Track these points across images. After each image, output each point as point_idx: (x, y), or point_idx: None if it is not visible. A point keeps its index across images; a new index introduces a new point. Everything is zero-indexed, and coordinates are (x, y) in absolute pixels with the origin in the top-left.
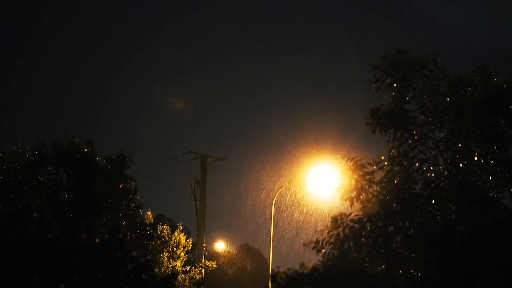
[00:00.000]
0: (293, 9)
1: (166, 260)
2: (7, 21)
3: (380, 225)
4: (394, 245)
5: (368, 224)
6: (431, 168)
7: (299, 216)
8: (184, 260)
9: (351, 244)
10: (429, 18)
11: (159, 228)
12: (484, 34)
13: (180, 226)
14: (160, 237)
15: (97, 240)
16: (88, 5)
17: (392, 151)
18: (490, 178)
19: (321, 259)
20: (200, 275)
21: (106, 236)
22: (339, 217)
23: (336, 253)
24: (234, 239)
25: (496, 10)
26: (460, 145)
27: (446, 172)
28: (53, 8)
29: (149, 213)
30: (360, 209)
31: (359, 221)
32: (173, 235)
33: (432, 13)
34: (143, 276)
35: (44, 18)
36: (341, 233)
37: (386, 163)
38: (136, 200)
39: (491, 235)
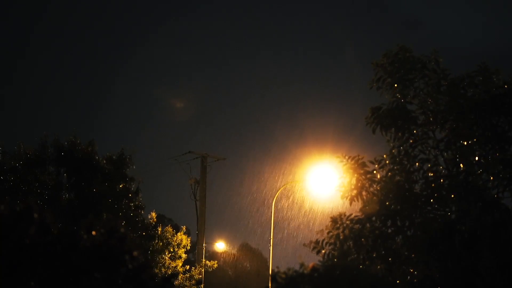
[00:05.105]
0: (293, 8)
1: (168, 261)
2: (7, 21)
3: (380, 225)
4: (394, 245)
5: (367, 224)
6: (432, 168)
7: (299, 216)
8: (183, 260)
9: (351, 245)
10: (424, 21)
11: (159, 228)
12: (479, 37)
13: (184, 228)
14: (161, 238)
15: (97, 240)
16: (89, 4)
17: (393, 150)
18: (491, 178)
19: (321, 259)
20: (200, 275)
21: (106, 236)
22: (338, 218)
23: (336, 253)
24: (234, 239)
25: (490, 13)
26: (460, 145)
27: (446, 172)
28: (54, 7)
29: (153, 214)
30: (360, 209)
31: (359, 221)
32: (175, 236)
33: (427, 16)
34: (143, 276)
35: (44, 17)
36: (340, 234)
37: (387, 162)
38: (138, 201)
39: (491, 235)
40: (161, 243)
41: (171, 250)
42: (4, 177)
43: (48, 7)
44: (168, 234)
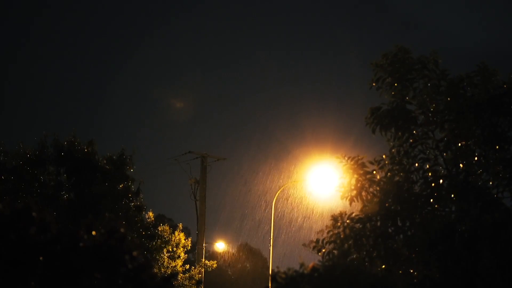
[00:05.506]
0: (292, 8)
1: (166, 260)
2: (5, 21)
3: (380, 225)
4: (395, 245)
5: (368, 224)
6: (431, 168)
7: (299, 215)
8: (183, 260)
9: (351, 244)
10: (424, 21)
11: (159, 228)
12: (479, 38)
13: (181, 226)
14: (160, 237)
15: (97, 240)
16: (87, 4)
17: (393, 150)
18: (491, 178)
19: (321, 259)
20: (200, 275)
21: (106, 236)
22: (339, 216)
23: (336, 252)
24: (234, 239)
25: (489, 15)
26: (460, 145)
27: (446, 172)
28: (52, 7)
29: (150, 213)
30: (361, 209)
31: (359, 220)
32: (173, 235)
33: (428, 17)
34: (143, 276)
35: (43, 16)
36: (341, 233)
37: (386, 162)
38: (139, 201)
39: (491, 235)
40: (159, 241)
41: (170, 249)
42: (5, 177)
43: (46, 7)
44: (165, 233)
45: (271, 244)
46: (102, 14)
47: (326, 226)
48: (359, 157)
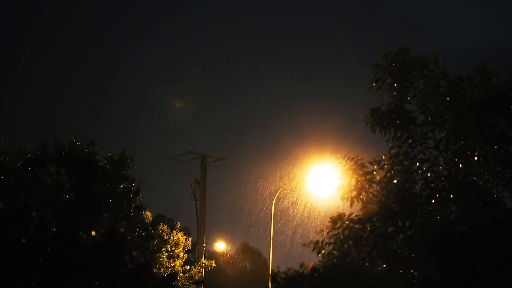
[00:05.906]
0: (292, 7)
1: (165, 260)
2: (4, 22)
3: (380, 225)
4: (394, 245)
5: (368, 224)
6: (431, 168)
7: (299, 216)
8: (183, 260)
9: (351, 244)
10: (425, 21)
11: (159, 228)
12: (480, 38)
13: (179, 225)
14: (159, 237)
15: (97, 240)
16: (87, 4)
17: (392, 150)
18: (490, 178)
19: (321, 259)
20: (199, 275)
21: (106, 236)
22: (338, 218)
23: (336, 253)
24: (234, 239)
25: (488, 15)
26: (460, 145)
27: (446, 172)
28: (52, 8)
29: (148, 213)
30: (361, 209)
31: (359, 221)
32: (171, 234)
33: (428, 17)
34: (143, 276)
35: (43, 17)
36: (340, 234)
37: (386, 162)
38: (139, 201)
39: (491, 235)
40: (157, 241)
41: (168, 249)
42: (5, 177)
43: (46, 8)
44: (163, 233)
45: (271, 244)
46: (103, 15)
47: (326, 226)
48: (359, 158)
